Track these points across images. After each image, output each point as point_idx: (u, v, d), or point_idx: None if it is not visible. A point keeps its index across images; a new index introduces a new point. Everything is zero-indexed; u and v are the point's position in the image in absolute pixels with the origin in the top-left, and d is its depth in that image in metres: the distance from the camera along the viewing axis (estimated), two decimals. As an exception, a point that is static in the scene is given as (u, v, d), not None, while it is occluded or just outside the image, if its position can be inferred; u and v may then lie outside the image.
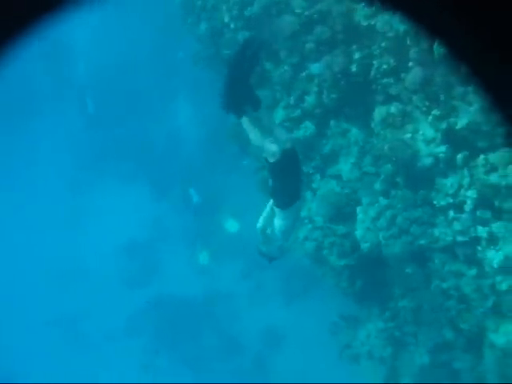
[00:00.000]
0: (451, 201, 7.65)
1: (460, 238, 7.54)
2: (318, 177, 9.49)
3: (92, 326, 17.31)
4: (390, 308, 9.38)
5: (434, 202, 7.78)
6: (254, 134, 5.64)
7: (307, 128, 9.36)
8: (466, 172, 7.59)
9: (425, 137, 7.87)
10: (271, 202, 6.23)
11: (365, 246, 8.62)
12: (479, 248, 7.44)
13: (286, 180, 5.85)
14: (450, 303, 8.01)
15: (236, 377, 15.49)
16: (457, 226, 7.61)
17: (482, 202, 7.46)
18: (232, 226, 15.72)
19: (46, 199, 19.04)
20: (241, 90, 5.49)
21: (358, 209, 8.68)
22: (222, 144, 12.68)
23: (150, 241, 18.27)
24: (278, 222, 6.22)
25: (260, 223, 6.35)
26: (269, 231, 6.38)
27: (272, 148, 5.54)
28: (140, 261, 18.03)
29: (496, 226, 7.35)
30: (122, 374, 16.50)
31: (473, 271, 7.59)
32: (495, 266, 7.16)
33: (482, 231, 7.41)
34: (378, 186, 8.45)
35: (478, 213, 7.47)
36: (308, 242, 9.41)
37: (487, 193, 7.40)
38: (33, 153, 19.99)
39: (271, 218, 6.26)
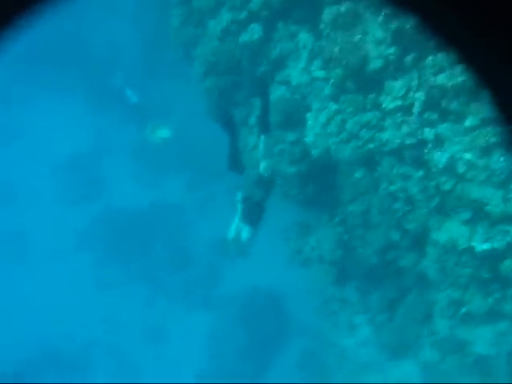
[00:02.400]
0: (400, 103, 7.63)
1: (408, 141, 7.61)
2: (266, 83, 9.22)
3: (40, 243, 17.05)
4: (339, 213, 9.59)
5: (383, 106, 7.75)
6: None
7: (254, 31, 8.97)
8: (414, 74, 7.53)
9: (375, 38, 7.68)
10: (239, 215, 7.32)
11: (315, 151, 8.60)
12: (426, 150, 7.55)
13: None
14: (397, 205, 8.23)
15: (189, 287, 15.83)
16: (405, 128, 7.65)
17: (430, 103, 7.49)
18: (164, 133, 15.07)
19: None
20: None
21: (308, 115, 8.57)
22: (166, 50, 12.10)
23: (92, 155, 17.74)
24: (245, 234, 7.27)
25: (231, 234, 7.37)
26: (237, 239, 7.40)
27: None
28: (84, 176, 17.57)
29: (442, 128, 7.44)
30: (75, 289, 16.55)
31: (419, 173, 7.74)
32: (440, 166, 7.31)
33: (428, 133, 7.49)
34: (327, 90, 8.31)
35: (426, 115, 7.52)
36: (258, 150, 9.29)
37: (435, 94, 7.40)
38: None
39: (240, 229, 7.33)
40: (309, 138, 8.57)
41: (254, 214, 7.33)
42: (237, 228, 7.37)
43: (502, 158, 7.01)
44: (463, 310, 8.51)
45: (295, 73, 8.90)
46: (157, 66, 14.99)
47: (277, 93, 9.07)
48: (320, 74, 8.53)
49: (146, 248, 16.24)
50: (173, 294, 15.90)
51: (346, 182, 8.65)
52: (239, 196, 7.49)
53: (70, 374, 16.49)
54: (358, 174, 8.29)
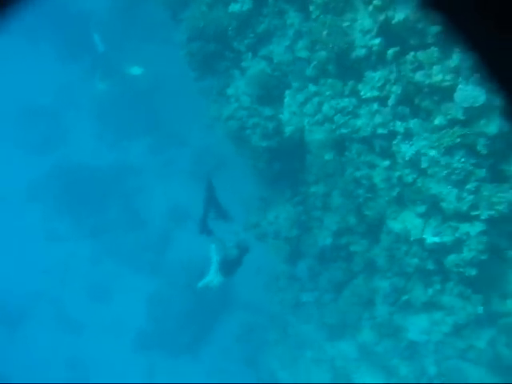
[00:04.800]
0: (376, 94, 7.94)
1: (379, 131, 7.94)
2: (249, 55, 9.36)
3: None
4: (301, 192, 9.88)
5: (361, 94, 8.04)
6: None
7: (244, 2, 9.06)
8: (394, 67, 7.85)
9: (362, 27, 7.94)
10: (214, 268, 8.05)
11: (288, 129, 8.84)
12: (394, 142, 7.91)
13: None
14: (360, 191, 8.59)
15: (140, 249, 15.87)
16: (378, 118, 7.98)
17: (404, 98, 7.84)
18: (135, 70, 15.01)
19: None
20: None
21: (287, 92, 8.77)
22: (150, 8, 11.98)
23: (56, 106, 17.37)
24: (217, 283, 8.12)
25: (203, 283, 8.17)
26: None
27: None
28: (43, 126, 17.19)
29: (412, 123, 7.81)
30: (22, 239, 16.28)
31: (385, 163, 8.11)
32: (406, 159, 7.69)
33: (399, 126, 7.85)
34: (309, 71, 8.53)
35: (399, 108, 7.86)
36: (232, 121, 9.45)
37: (410, 90, 7.75)
38: None
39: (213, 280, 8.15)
40: (284, 116, 8.79)
41: (229, 267, 8.13)
42: (210, 280, 8.17)
43: (462, 159, 7.45)
44: (404, 297, 9.01)
45: (278, 50, 9.06)
46: (137, 25, 14.81)
47: (257, 67, 9.22)
48: (303, 54, 8.73)
49: (99, 206, 16.14)
50: (121, 255, 15.90)
51: (314, 162, 8.93)
52: (213, 249, 8.13)
53: (8, 326, 16.28)
54: (327, 157, 8.58)
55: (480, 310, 8.23)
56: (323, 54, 8.24)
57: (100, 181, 16.06)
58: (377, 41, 7.90)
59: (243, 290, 13.91)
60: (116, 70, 15.47)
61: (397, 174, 8.04)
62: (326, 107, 8.38)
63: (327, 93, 8.33)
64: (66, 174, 16.29)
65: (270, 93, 9.11)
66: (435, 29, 7.52)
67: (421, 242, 8.03)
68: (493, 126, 7.20)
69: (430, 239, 7.88)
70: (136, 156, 16.04)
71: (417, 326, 8.98)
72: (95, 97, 16.46)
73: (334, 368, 10.24)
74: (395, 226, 8.21)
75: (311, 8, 8.39)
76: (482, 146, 7.26)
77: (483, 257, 7.78)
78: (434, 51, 7.53)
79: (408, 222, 8.07)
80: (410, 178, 7.88)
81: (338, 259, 9.71)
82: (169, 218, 15.76)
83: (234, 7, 9.09)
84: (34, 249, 16.16)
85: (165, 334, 15.33)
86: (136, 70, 14.81)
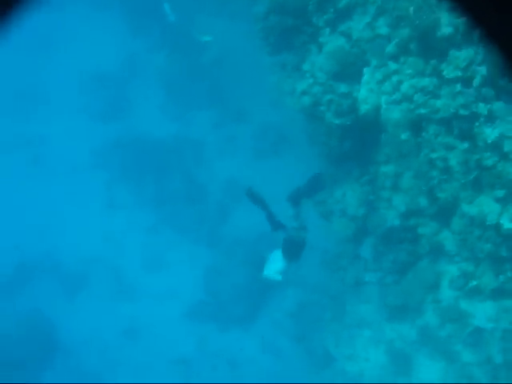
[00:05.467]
0: (460, 74, 7.80)
1: (461, 112, 7.81)
2: (327, 31, 9.31)
3: (57, 152, 17.21)
4: (370, 172, 9.83)
5: (444, 73, 7.91)
6: None
7: (326, -23, 9.00)
8: (480, 48, 7.67)
9: (449, 5, 7.77)
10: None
11: (364, 107, 8.78)
12: (477, 124, 7.77)
13: None
14: (434, 173, 8.48)
15: (197, 221, 16.16)
16: (460, 99, 7.84)
17: (489, 79, 7.67)
18: (206, 37, 15.23)
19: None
20: None
21: (365, 69, 8.70)
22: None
23: (121, 76, 17.71)
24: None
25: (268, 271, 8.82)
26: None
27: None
28: (109, 95, 17.59)
29: (497, 105, 7.64)
30: (83, 205, 16.81)
31: (464, 145, 7.98)
32: (489, 141, 7.55)
33: (483, 108, 7.70)
34: (389, 48, 8.43)
35: (483, 90, 7.70)
36: (306, 97, 9.46)
37: (496, 72, 7.58)
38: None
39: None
40: (361, 93, 8.74)
41: (294, 252, 8.61)
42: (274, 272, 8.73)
43: (549, 145, 7.26)
44: (473, 283, 8.90)
45: (358, 26, 8.98)
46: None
47: (336, 43, 9.17)
48: (384, 31, 8.64)
49: (160, 177, 16.46)
50: (179, 226, 16.21)
51: (389, 142, 8.86)
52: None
53: (63, 284, 16.90)
54: (403, 136, 8.49)
55: (552, 300, 8.08)
56: (406, 31, 8.13)
57: (162, 152, 16.36)
58: (464, 19, 7.73)
59: (301, 267, 14.01)
60: (186, 38, 15.66)
61: (476, 156, 7.90)
62: (405, 86, 8.27)
63: (408, 71, 8.23)
64: (129, 144, 16.65)
65: (346, 70, 9.06)
66: None
67: (497, 227, 7.90)
68: None
69: (507, 225, 7.74)
70: (199, 129, 16.23)
71: (484, 313, 8.87)
72: (161, 67, 16.74)
73: (392, 349, 10.25)
74: (470, 209, 8.09)
75: (396, -15, 8.28)
76: None
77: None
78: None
79: (485, 206, 7.95)
80: (490, 162, 7.73)
81: (404, 241, 9.65)
82: (227, 193, 15.94)
83: (314, -18, 9.04)
84: (96, 215, 16.68)
85: (218, 307, 15.64)
86: (206, 37, 15.01)
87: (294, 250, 8.62)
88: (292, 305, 14.32)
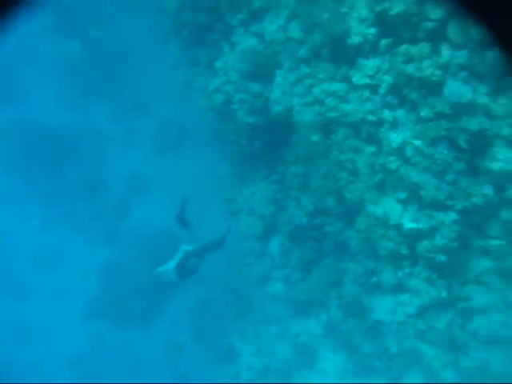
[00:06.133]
0: (368, 82, 8.19)
1: (369, 117, 8.20)
2: (240, 30, 9.35)
3: None
4: (278, 172, 10.04)
5: (353, 80, 8.26)
6: None
7: (241, -23, 9.02)
8: (387, 58, 8.11)
9: (359, 15, 8.13)
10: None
11: (276, 108, 8.93)
12: (382, 129, 8.21)
13: None
14: (342, 174, 8.85)
15: (95, 216, 15.53)
16: (368, 105, 8.24)
17: (394, 88, 8.13)
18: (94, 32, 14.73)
19: None
20: None
21: (278, 71, 8.85)
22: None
23: (15, 60, 16.51)
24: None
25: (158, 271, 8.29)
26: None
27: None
28: (2, 80, 16.33)
29: (400, 113, 8.13)
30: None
31: (371, 148, 8.40)
32: (394, 146, 8.01)
33: (388, 115, 8.15)
34: (302, 52, 8.64)
35: (389, 98, 8.15)
36: (218, 94, 9.43)
37: (400, 81, 8.04)
38: None
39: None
40: (274, 94, 8.87)
41: (185, 272, 8.30)
42: (166, 272, 8.31)
43: (445, 151, 7.85)
44: (373, 279, 9.43)
45: (271, 28, 9.10)
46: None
47: (248, 42, 9.23)
48: (296, 35, 8.83)
49: (54, 169, 15.57)
50: (75, 221, 15.50)
51: (300, 143, 9.09)
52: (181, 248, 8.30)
53: None
54: (314, 138, 8.75)
55: (443, 293, 8.77)
56: (319, 36, 8.37)
57: (56, 142, 15.47)
58: (372, 30, 8.13)
59: (206, 264, 13.97)
60: (80, 29, 15.00)
61: (381, 160, 8.35)
62: (317, 89, 8.53)
63: (319, 75, 8.49)
64: (20, 132, 15.57)
65: (259, 70, 9.15)
66: (428, 25, 7.83)
67: (398, 227, 8.42)
68: (474, 123, 7.63)
69: (408, 225, 8.28)
70: (96, 120, 15.57)
71: (383, 307, 9.44)
72: (57, 53, 15.85)
73: (297, 344, 10.58)
74: (375, 210, 8.55)
75: (309, -10, 8.48)
76: (463, 141, 7.68)
77: (453, 244, 8.28)
78: (425, 46, 7.86)
79: (388, 207, 8.43)
80: (393, 165, 8.21)
81: (310, 239, 9.97)
82: (127, 187, 15.48)
83: (230, -20, 9.03)
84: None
85: (116, 305, 15.17)
86: (94, 32, 14.50)
87: (185, 272, 8.42)
88: (195, 302, 14.25)
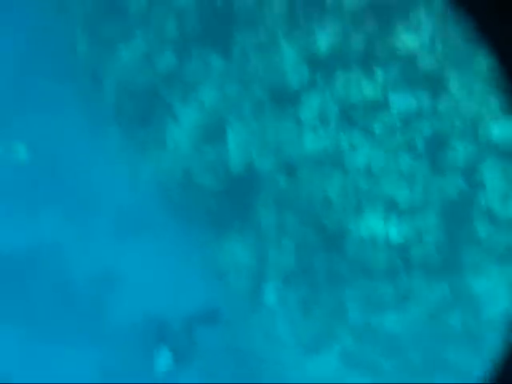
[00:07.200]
0: (317, 115, 8.60)
1: (328, 149, 8.58)
2: (178, 104, 9.56)
3: None
4: (251, 226, 10.15)
5: (302, 119, 8.64)
6: None
7: (167, 58, 9.32)
8: (327, 90, 8.58)
9: (289, 59, 8.59)
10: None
11: (236, 166, 9.15)
12: (344, 156, 8.60)
13: None
14: (316, 206, 9.10)
15: (74, 325, 14.93)
16: (323, 138, 8.62)
17: (343, 115, 8.57)
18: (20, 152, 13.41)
19: None
20: None
21: (229, 131, 9.11)
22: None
23: None
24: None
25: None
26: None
27: None
28: None
29: (356, 135, 8.57)
30: None
31: (338, 174, 8.74)
32: (360, 167, 8.40)
33: (344, 141, 8.56)
34: (246, 109, 8.97)
35: (341, 125, 8.58)
36: (175, 169, 9.53)
37: (346, 107, 8.51)
38: None
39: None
40: (231, 153, 9.10)
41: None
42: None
43: (407, 159, 8.33)
44: (374, 298, 9.63)
45: (209, 94, 9.39)
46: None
47: (192, 114, 9.45)
48: (235, 94, 9.15)
49: (21, 291, 14.93)
50: (56, 334, 14.82)
51: (268, 192, 9.29)
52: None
53: None
54: (281, 183, 9.00)
55: (447, 293, 9.08)
56: (258, 89, 8.74)
57: (17, 265, 14.88)
58: (305, 69, 8.60)
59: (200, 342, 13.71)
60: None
61: (351, 182, 8.70)
62: (270, 136, 8.84)
63: (269, 125, 8.81)
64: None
65: (210, 135, 9.37)
66: (356, 53, 8.41)
67: (385, 241, 8.72)
68: (426, 126, 8.18)
69: (394, 237, 8.61)
70: (51, 229, 15.16)
71: (391, 321, 9.61)
72: None
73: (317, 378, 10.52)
74: (361, 232, 8.83)
75: (235, 49, 8.88)
76: (421, 145, 8.19)
77: (443, 244, 8.67)
78: (358, 71, 8.41)
79: (370, 224, 8.74)
80: (364, 184, 8.58)
81: (301, 277, 10.07)
82: (99, 285, 15.07)
83: (160, 64, 9.31)
84: None
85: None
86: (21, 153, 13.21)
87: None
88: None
